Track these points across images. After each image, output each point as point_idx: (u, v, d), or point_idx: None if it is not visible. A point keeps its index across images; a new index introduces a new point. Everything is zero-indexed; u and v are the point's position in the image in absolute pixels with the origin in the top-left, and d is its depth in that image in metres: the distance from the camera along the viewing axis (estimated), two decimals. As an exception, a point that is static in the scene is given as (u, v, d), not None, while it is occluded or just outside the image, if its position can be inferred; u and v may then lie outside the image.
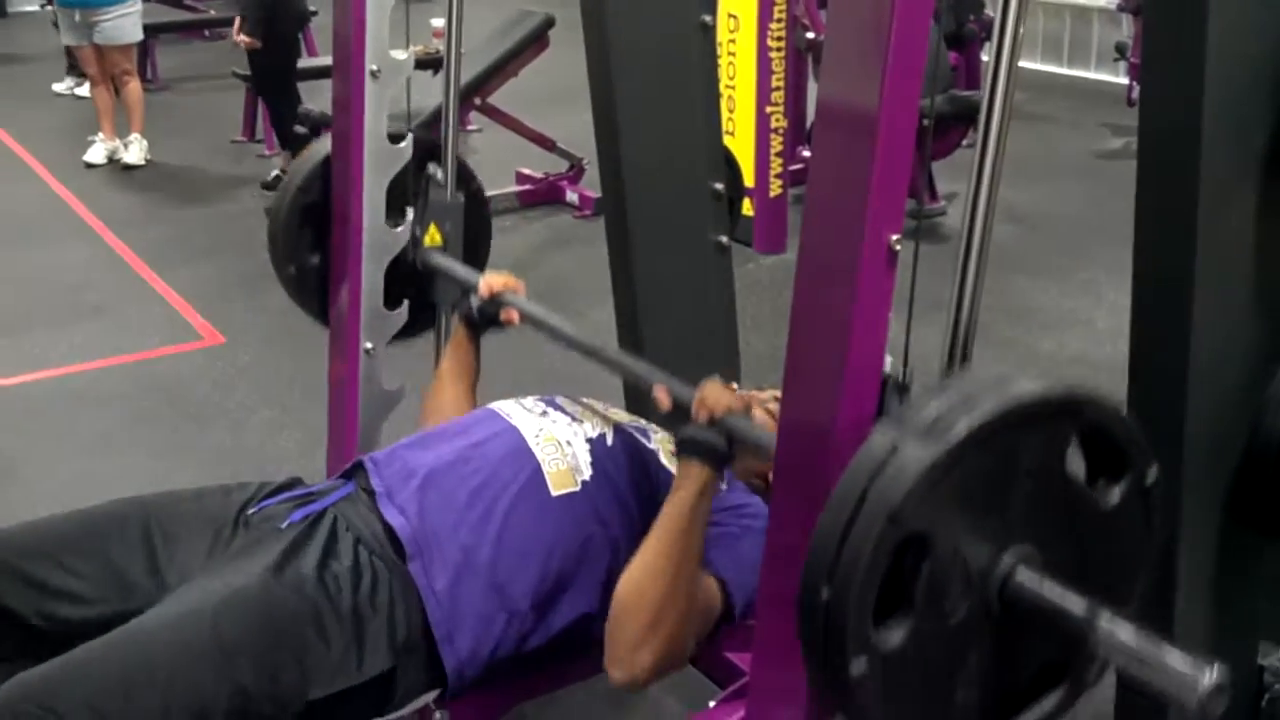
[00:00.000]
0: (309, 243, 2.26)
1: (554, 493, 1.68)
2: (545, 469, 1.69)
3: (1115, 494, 1.21)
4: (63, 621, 1.55)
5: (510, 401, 1.84)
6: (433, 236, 2.22)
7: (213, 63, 8.41)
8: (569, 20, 2.28)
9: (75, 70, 7.63)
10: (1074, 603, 1.14)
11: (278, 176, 5.84)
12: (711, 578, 1.64)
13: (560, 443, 1.73)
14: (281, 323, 4.20)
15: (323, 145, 2.26)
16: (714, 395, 1.60)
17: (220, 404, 3.64)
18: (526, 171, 5.65)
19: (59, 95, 7.71)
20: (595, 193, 5.09)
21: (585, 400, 1.89)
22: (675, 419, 1.67)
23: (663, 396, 1.68)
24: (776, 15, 4.73)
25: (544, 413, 1.80)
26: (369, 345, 2.22)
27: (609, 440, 1.76)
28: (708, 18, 2.39)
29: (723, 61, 4.73)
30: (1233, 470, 1.64)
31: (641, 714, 2.33)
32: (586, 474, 1.70)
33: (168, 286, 4.56)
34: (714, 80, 2.50)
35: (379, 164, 2.15)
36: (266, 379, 3.77)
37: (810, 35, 5.34)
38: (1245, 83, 1.49)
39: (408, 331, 2.31)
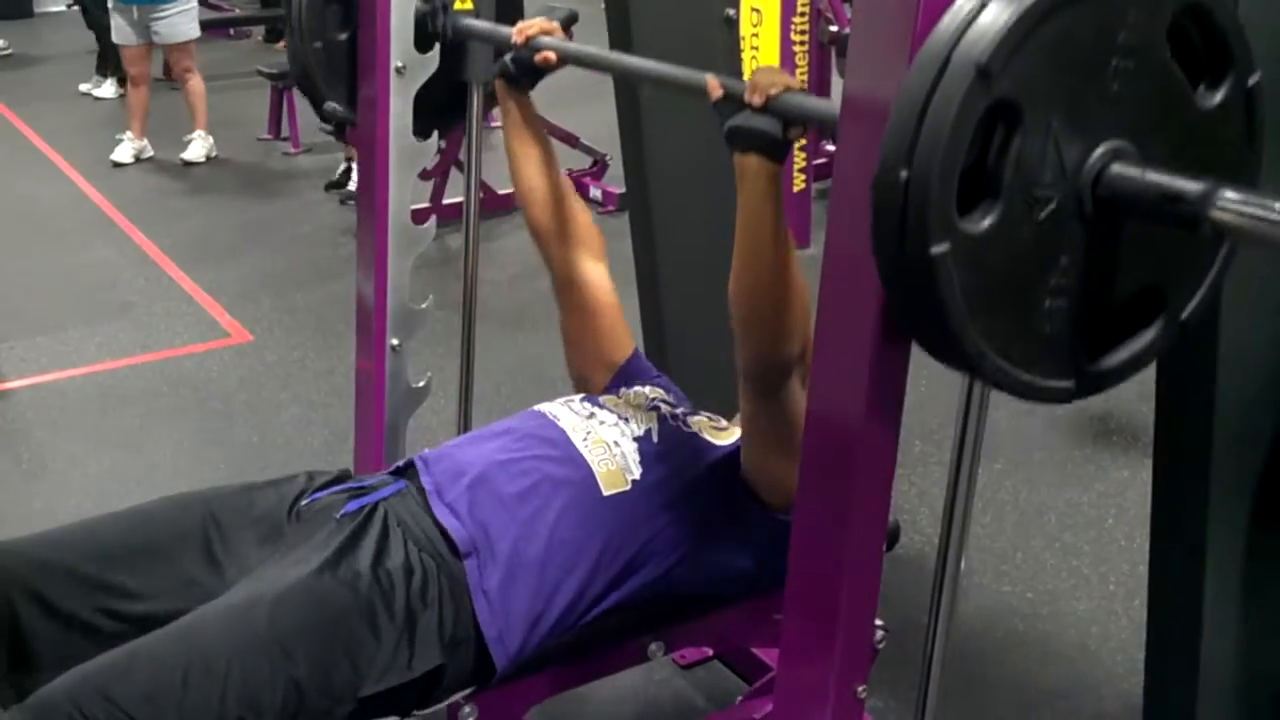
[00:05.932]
0: (337, 20, 2.12)
1: (605, 493, 1.68)
2: (595, 470, 1.69)
3: (1216, 95, 1.12)
4: (124, 618, 1.56)
5: (557, 403, 1.85)
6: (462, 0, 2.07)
7: (237, 61, 8.44)
8: (592, 15, 2.27)
9: (102, 70, 7.69)
10: (1184, 181, 1.01)
11: (346, 170, 5.49)
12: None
13: (609, 444, 1.73)
14: (308, 321, 4.24)
15: None
16: (766, 77, 1.50)
17: (248, 401, 3.66)
18: (550, 168, 5.66)
19: (85, 95, 7.76)
20: (619, 188, 5.09)
21: (627, 392, 1.89)
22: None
23: (714, 87, 1.59)
24: (800, 9, 4.71)
25: (590, 414, 1.80)
26: (395, 342, 2.22)
27: (654, 436, 1.76)
28: (731, 11, 2.39)
29: (746, 55, 4.71)
30: (1261, 467, 1.63)
31: (669, 710, 2.33)
32: (636, 473, 1.70)
33: (195, 285, 4.59)
34: (738, 75, 2.49)
35: (405, 162, 2.15)
36: (293, 376, 3.80)
37: (834, 29, 5.32)
38: (1267, 76, 1.48)
39: (441, 128, 2.22)
